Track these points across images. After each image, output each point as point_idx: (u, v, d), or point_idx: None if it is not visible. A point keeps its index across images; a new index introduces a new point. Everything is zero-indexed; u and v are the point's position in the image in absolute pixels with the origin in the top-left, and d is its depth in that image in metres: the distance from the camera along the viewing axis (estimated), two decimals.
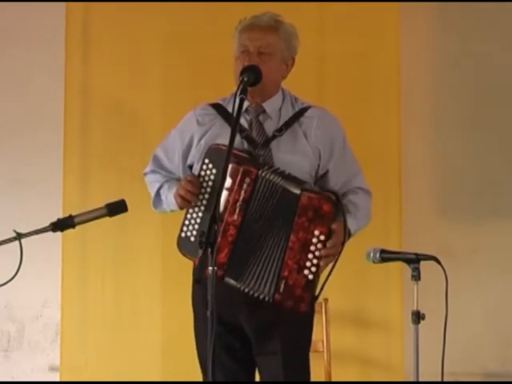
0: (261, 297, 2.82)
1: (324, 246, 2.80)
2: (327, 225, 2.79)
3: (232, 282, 2.82)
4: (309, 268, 2.80)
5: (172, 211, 3.04)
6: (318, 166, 2.99)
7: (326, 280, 2.88)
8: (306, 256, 2.79)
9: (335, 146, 3.01)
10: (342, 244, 2.86)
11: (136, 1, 4.30)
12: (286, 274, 2.79)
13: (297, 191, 2.79)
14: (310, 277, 2.80)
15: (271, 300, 2.80)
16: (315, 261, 2.80)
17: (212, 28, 4.15)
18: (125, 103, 4.38)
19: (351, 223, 2.91)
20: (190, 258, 2.89)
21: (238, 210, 2.80)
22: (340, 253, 2.87)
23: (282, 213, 2.81)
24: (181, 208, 2.96)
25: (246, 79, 2.80)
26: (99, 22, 4.39)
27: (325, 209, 2.78)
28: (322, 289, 2.89)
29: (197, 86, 4.18)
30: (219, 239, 2.76)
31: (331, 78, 4.26)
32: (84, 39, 4.39)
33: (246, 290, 2.83)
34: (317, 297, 2.88)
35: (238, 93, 2.74)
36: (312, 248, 2.80)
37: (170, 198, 3.00)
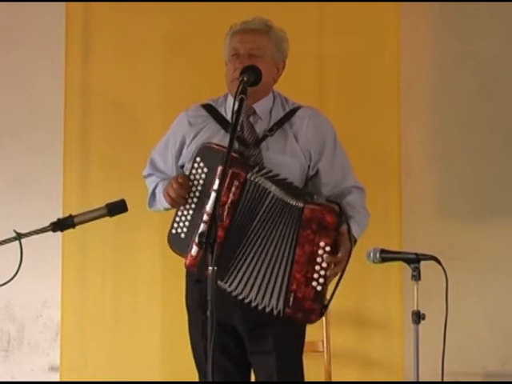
0: (267, 309, 2.83)
1: (330, 256, 2.80)
2: (332, 235, 2.80)
3: (218, 282, 2.82)
4: (317, 280, 2.81)
5: (166, 209, 3.05)
6: (309, 167, 2.99)
7: (335, 290, 2.88)
8: (313, 268, 2.80)
9: (326, 146, 3.01)
10: (350, 251, 2.86)
11: (136, 1, 4.30)
12: (294, 287, 2.80)
13: (299, 204, 2.80)
14: (319, 288, 2.81)
15: (281, 314, 2.81)
16: (322, 272, 2.81)
17: (212, 28, 4.14)
18: (125, 103, 4.39)
19: (354, 228, 2.91)
20: (179, 255, 2.90)
21: (226, 213, 2.81)
22: (348, 261, 2.87)
23: (284, 224, 2.81)
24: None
25: (245, 79, 2.80)
26: (99, 22, 4.39)
27: (328, 220, 2.78)
28: (331, 298, 2.89)
29: (197, 85, 4.18)
30: None
31: (331, 78, 4.26)
32: (84, 39, 4.39)
33: (246, 301, 2.84)
34: (326, 306, 2.88)
35: (238, 92, 2.74)
36: (319, 260, 2.80)
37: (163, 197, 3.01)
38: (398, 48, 4.22)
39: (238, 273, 2.84)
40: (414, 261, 3.06)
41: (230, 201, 2.81)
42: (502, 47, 4.26)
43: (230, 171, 2.79)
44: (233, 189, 2.81)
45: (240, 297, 2.84)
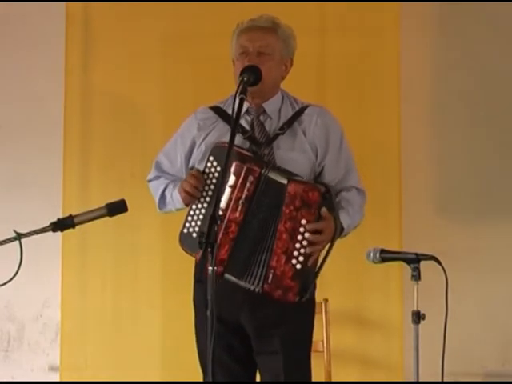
0: (251, 288, 2.82)
1: (311, 234, 2.80)
2: (314, 214, 2.80)
3: (232, 278, 2.83)
4: (296, 257, 2.80)
5: (177, 210, 3.05)
6: (314, 163, 3.00)
7: (320, 269, 2.89)
8: (294, 245, 2.80)
9: (331, 143, 3.03)
10: (334, 236, 2.86)
11: (136, 1, 4.30)
12: (274, 263, 2.81)
13: (284, 181, 2.80)
14: (298, 266, 2.80)
15: (261, 291, 2.81)
16: (302, 250, 2.80)
17: (212, 28, 4.15)
18: (125, 103, 4.38)
19: (344, 218, 2.92)
20: (191, 254, 2.91)
21: (240, 208, 2.82)
22: (332, 244, 2.87)
23: (273, 204, 2.82)
24: (186, 204, 2.97)
25: (245, 79, 2.81)
26: (99, 22, 4.39)
27: (311, 197, 2.79)
28: (314, 279, 2.88)
29: (197, 85, 4.18)
30: (220, 235, 2.78)
31: (331, 78, 4.26)
32: (84, 39, 4.39)
33: (246, 287, 2.84)
34: (308, 288, 2.86)
35: (238, 92, 2.75)
36: (299, 237, 2.80)
37: (175, 196, 3.01)
38: (398, 48, 4.22)
39: (249, 266, 2.83)
40: (414, 261, 3.06)
41: (244, 196, 2.82)
42: (502, 47, 4.26)
43: (245, 167, 2.82)
44: (247, 184, 2.82)
45: (247, 287, 2.83)
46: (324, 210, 2.82)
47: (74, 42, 4.39)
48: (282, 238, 2.80)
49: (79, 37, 4.39)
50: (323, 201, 2.82)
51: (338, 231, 2.89)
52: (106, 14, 4.37)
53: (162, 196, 3.09)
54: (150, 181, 3.17)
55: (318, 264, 2.91)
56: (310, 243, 2.81)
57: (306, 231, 2.80)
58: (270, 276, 2.80)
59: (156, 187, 3.13)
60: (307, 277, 2.85)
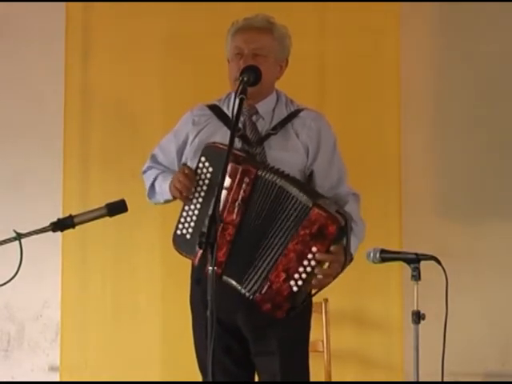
0: (242, 291, 2.82)
1: (317, 263, 2.77)
2: (327, 245, 2.76)
3: (231, 281, 2.82)
4: (296, 280, 2.78)
5: (166, 201, 3.05)
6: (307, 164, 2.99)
7: (316, 293, 2.88)
8: (297, 268, 2.77)
9: (323, 147, 3.01)
10: (342, 267, 2.82)
11: (136, 1, 4.31)
12: (272, 277, 2.79)
13: (308, 203, 2.77)
14: (295, 289, 2.78)
15: (251, 297, 2.80)
16: (304, 275, 2.77)
17: (212, 28, 4.15)
18: (125, 103, 4.39)
19: (353, 244, 2.86)
20: (185, 256, 2.89)
21: (236, 210, 2.80)
22: (337, 275, 2.83)
23: (286, 218, 2.79)
24: (174, 198, 2.96)
25: (245, 79, 2.80)
26: (99, 22, 4.39)
27: (330, 230, 2.75)
28: (303, 302, 2.86)
29: (197, 85, 4.18)
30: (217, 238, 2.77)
31: (331, 78, 4.26)
32: (84, 39, 4.39)
33: (237, 289, 2.83)
34: (295, 308, 2.83)
35: (238, 93, 2.74)
36: (305, 262, 2.77)
37: (163, 188, 3.01)
38: (398, 48, 4.22)
39: (248, 270, 2.82)
40: (414, 261, 3.06)
41: (240, 198, 2.80)
42: (502, 47, 4.26)
43: (241, 168, 2.79)
44: (243, 185, 2.79)
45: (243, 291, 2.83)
46: (334, 247, 2.78)
47: (73, 42, 4.39)
48: (289, 256, 2.78)
49: (79, 37, 4.39)
50: (339, 234, 2.78)
51: (348, 262, 2.85)
52: (106, 14, 4.37)
53: (152, 186, 3.10)
54: (144, 172, 3.18)
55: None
56: (318, 275, 2.78)
57: (313, 259, 2.77)
58: (265, 287, 2.79)
59: (147, 177, 3.13)
60: (300, 298, 2.84)
